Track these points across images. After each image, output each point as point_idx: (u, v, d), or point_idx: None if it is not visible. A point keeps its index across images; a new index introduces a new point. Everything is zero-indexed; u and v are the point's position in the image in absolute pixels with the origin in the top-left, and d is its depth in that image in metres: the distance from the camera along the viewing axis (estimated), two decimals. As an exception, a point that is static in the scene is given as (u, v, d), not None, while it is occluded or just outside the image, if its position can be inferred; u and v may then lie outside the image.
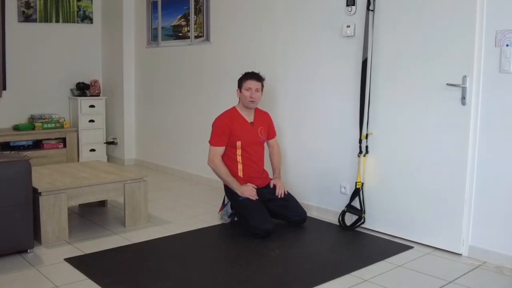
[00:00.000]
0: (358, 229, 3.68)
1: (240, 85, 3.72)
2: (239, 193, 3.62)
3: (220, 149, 3.68)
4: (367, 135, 3.63)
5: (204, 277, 2.82)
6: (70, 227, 3.51)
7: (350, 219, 3.71)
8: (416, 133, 3.37)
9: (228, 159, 3.72)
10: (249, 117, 3.76)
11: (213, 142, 3.69)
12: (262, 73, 3.76)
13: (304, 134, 4.11)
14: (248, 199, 3.58)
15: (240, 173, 3.70)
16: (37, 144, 5.67)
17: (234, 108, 3.79)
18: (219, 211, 3.91)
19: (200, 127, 5.23)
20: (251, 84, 3.67)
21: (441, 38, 3.20)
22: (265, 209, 3.61)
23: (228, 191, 3.75)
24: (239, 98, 3.74)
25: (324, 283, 2.75)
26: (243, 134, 3.69)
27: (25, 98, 5.80)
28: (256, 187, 3.68)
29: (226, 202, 3.86)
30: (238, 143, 3.67)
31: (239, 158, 3.70)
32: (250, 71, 3.77)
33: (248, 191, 3.61)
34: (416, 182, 3.38)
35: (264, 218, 3.51)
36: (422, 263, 3.08)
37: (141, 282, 2.73)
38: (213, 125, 3.71)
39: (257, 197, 3.61)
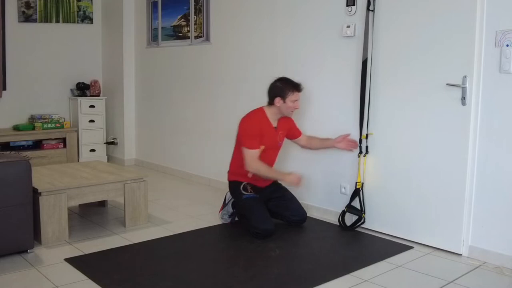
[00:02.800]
0: (358, 229, 3.68)
1: (283, 94, 3.55)
2: (288, 183, 3.62)
3: (257, 152, 3.55)
4: (367, 135, 3.63)
5: (204, 277, 2.82)
6: (70, 227, 3.51)
7: (350, 219, 3.71)
8: (416, 133, 3.37)
9: (241, 156, 3.60)
10: (275, 121, 3.69)
11: (250, 145, 3.52)
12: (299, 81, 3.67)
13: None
14: (251, 199, 3.56)
15: (249, 174, 3.63)
16: (37, 144, 5.67)
17: (262, 110, 3.66)
18: (219, 211, 3.90)
19: (200, 127, 5.23)
20: (298, 96, 3.60)
21: (441, 38, 3.20)
22: (266, 209, 3.61)
23: (233, 188, 3.71)
24: (277, 106, 3.58)
25: (324, 283, 2.75)
26: (267, 139, 3.62)
27: (25, 98, 5.80)
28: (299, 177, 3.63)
29: (227, 201, 3.86)
30: (261, 147, 3.59)
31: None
32: (287, 78, 3.64)
33: (296, 179, 3.58)
34: (416, 182, 3.38)
35: (265, 219, 3.51)
36: (422, 263, 3.08)
37: (141, 282, 2.73)
38: (246, 128, 3.57)
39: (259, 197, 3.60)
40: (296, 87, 3.60)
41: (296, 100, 3.60)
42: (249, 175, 3.63)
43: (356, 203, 3.67)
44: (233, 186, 3.71)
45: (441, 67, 3.20)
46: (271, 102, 3.64)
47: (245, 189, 3.64)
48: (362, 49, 3.58)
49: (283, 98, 3.57)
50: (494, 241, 3.05)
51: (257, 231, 3.45)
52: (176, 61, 5.49)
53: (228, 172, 3.78)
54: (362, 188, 3.65)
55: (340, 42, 3.80)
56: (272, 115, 3.66)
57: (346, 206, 3.70)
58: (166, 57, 5.62)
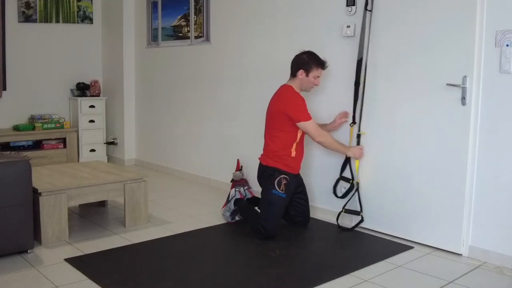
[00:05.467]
0: (357, 229, 3.68)
1: (308, 68, 3.48)
2: (351, 155, 3.61)
3: (315, 121, 3.52)
4: (358, 135, 3.65)
5: (204, 277, 2.82)
6: (70, 227, 3.51)
7: (346, 219, 3.72)
8: (416, 133, 3.37)
9: (288, 138, 3.51)
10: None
11: (308, 117, 3.44)
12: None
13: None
14: (277, 196, 3.46)
15: (294, 153, 3.53)
16: (37, 144, 5.66)
17: (289, 86, 3.55)
18: (222, 207, 3.90)
19: (200, 127, 5.23)
20: (321, 73, 3.54)
21: (441, 38, 3.20)
22: (282, 214, 3.55)
23: (266, 174, 3.54)
24: (299, 78, 3.51)
25: (324, 283, 2.75)
26: None
27: (25, 98, 5.80)
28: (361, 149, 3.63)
29: (230, 198, 3.85)
30: None
31: (298, 138, 3.54)
32: (314, 52, 3.55)
33: (359, 152, 3.61)
34: (416, 182, 3.38)
35: (277, 222, 3.48)
36: (422, 263, 3.08)
37: (141, 282, 2.73)
38: (295, 102, 3.46)
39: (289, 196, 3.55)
40: (322, 64, 3.53)
41: (318, 76, 3.54)
42: (293, 154, 3.52)
43: (353, 204, 3.68)
44: (268, 172, 3.53)
45: (441, 67, 3.20)
46: (293, 74, 3.56)
47: (279, 184, 3.49)
48: (358, 48, 3.58)
49: (307, 71, 3.49)
50: (494, 241, 3.05)
51: (262, 229, 3.42)
52: (176, 61, 5.49)
53: (263, 155, 3.61)
54: (357, 187, 3.67)
55: (340, 42, 3.80)
56: (297, 89, 3.56)
57: (343, 207, 3.71)
58: (166, 57, 5.62)
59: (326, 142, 3.54)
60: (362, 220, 3.66)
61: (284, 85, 3.60)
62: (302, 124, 3.46)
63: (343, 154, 3.68)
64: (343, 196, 3.72)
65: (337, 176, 3.81)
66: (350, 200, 3.70)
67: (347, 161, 3.72)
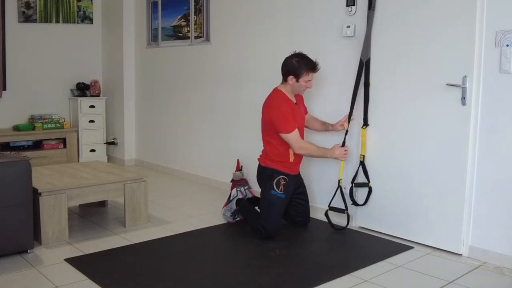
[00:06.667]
0: (357, 229, 3.68)
1: (298, 74, 3.41)
2: (333, 157, 3.55)
3: (297, 132, 3.45)
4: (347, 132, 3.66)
5: (204, 277, 2.82)
6: (70, 228, 3.51)
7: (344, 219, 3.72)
8: (416, 133, 3.37)
9: (281, 143, 3.48)
10: (293, 98, 3.55)
11: (290, 128, 3.39)
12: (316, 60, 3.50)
13: (304, 135, 4.10)
14: (276, 197, 3.46)
15: (292, 158, 3.52)
16: (37, 145, 5.67)
17: (280, 91, 3.51)
18: (223, 207, 3.90)
19: (200, 127, 5.23)
20: (312, 76, 3.47)
21: (441, 38, 3.20)
22: (282, 214, 3.56)
23: (264, 176, 3.54)
24: (290, 83, 3.46)
25: (324, 283, 2.75)
26: (297, 118, 3.51)
27: (25, 98, 5.80)
28: (345, 151, 3.59)
29: (231, 198, 3.85)
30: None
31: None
32: (304, 54, 3.47)
33: (344, 153, 3.56)
34: (416, 182, 3.38)
35: (277, 222, 3.48)
36: (422, 263, 3.08)
37: (141, 282, 2.73)
38: (278, 113, 3.41)
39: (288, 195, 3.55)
40: (312, 67, 3.44)
41: (310, 80, 3.48)
42: (291, 159, 3.52)
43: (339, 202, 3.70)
44: (267, 173, 3.52)
45: (441, 67, 3.20)
46: (284, 79, 3.51)
47: (278, 184, 3.48)
48: (362, 49, 3.58)
49: (297, 77, 3.43)
50: (494, 241, 3.05)
51: (262, 229, 3.42)
52: (176, 61, 5.49)
53: (262, 157, 3.61)
54: (339, 184, 3.70)
55: (340, 42, 3.80)
56: (288, 93, 3.51)
57: (328, 205, 3.73)
58: (166, 57, 5.62)
59: (307, 153, 3.55)
60: (349, 217, 3.67)
61: (276, 89, 3.56)
62: (283, 135, 3.43)
63: (327, 158, 3.63)
64: (364, 203, 3.67)
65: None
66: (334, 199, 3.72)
67: (359, 166, 3.67)
